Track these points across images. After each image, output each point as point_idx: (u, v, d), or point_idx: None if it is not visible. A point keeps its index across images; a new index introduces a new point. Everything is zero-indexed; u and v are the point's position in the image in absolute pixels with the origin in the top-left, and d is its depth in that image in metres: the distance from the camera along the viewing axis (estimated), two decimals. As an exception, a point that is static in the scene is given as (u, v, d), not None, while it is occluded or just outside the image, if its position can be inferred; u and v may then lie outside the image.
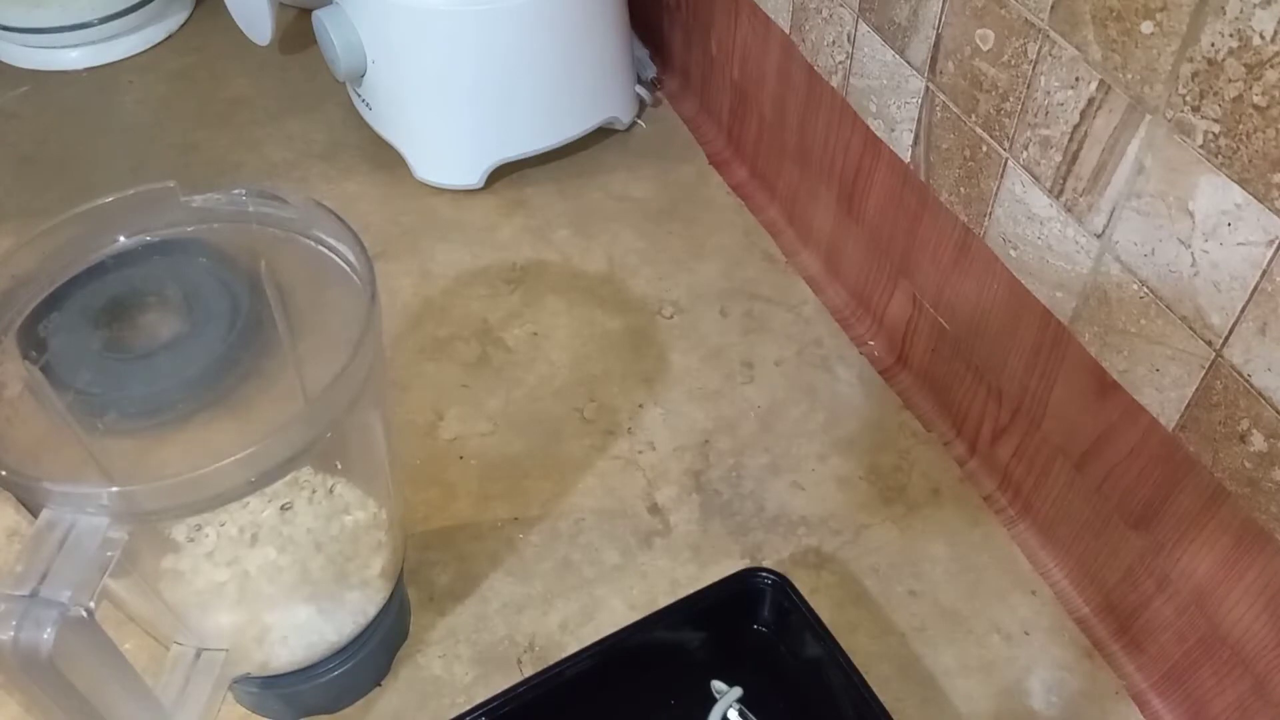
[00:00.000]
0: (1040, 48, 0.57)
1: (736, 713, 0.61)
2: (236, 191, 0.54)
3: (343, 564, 0.57)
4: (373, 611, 0.60)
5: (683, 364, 0.82)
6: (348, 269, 0.53)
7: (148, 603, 0.53)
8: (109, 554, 0.43)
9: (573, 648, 0.66)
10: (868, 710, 0.58)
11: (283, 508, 0.55)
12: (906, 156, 0.72)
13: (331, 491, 0.57)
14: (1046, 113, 0.58)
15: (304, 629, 0.57)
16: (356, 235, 0.52)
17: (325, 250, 0.54)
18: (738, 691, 0.61)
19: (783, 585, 0.63)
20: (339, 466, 0.57)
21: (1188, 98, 0.49)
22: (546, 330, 0.84)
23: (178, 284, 0.57)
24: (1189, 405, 0.56)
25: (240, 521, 0.55)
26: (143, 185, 0.52)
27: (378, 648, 0.63)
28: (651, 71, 1.05)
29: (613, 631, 0.62)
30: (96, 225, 0.53)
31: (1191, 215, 0.51)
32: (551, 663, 0.61)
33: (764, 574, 0.63)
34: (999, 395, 0.71)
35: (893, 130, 0.73)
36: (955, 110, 0.66)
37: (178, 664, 0.53)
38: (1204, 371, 0.54)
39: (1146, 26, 0.50)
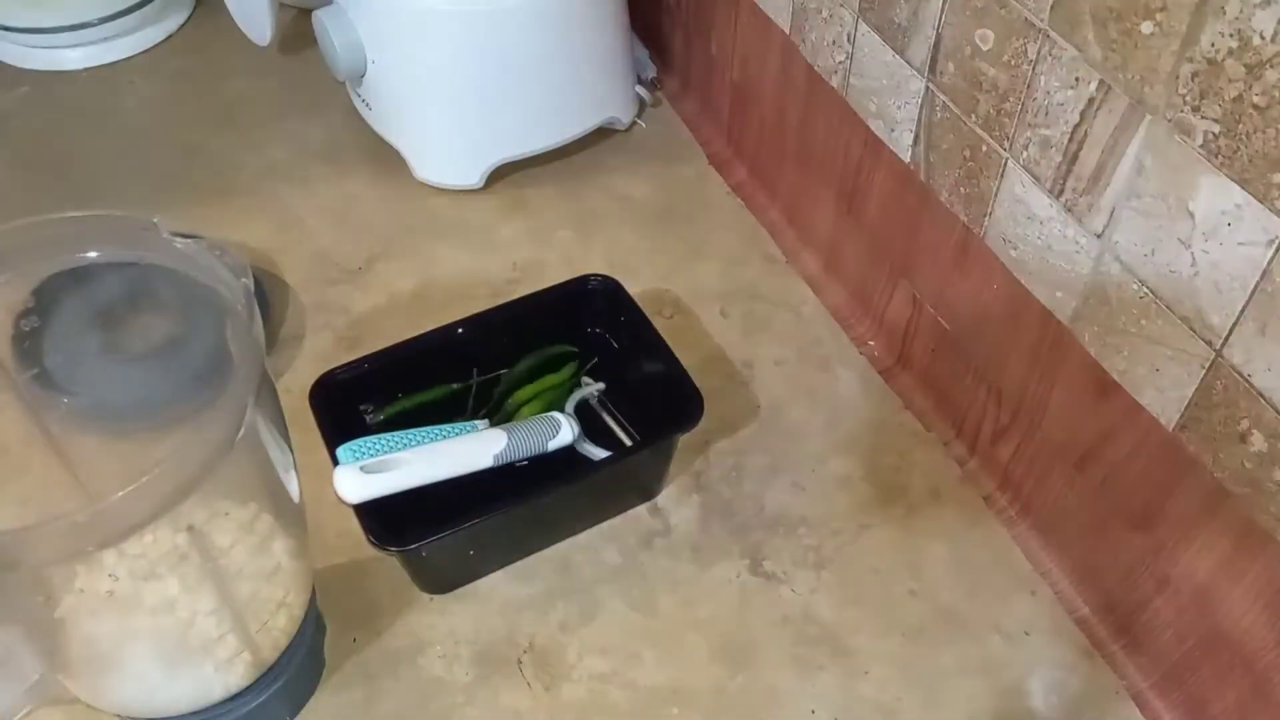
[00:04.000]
0: (1040, 48, 0.57)
1: (596, 403, 0.75)
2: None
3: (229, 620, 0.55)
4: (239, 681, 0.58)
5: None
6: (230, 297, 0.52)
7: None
8: None
9: (573, 648, 0.67)
10: (680, 389, 0.71)
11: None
12: (906, 156, 0.72)
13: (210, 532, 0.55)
14: (1046, 113, 0.58)
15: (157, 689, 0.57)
16: (237, 261, 0.50)
17: (208, 282, 0.52)
18: (600, 385, 0.76)
19: (615, 288, 0.76)
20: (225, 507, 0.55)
21: (1188, 98, 0.49)
22: (546, 330, 0.84)
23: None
24: (1189, 405, 0.56)
25: (104, 582, 0.53)
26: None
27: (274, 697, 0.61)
28: (651, 71, 1.05)
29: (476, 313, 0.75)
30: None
31: (1191, 215, 0.51)
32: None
33: (594, 278, 0.77)
34: (999, 395, 0.71)
35: (893, 130, 0.73)
36: (955, 110, 0.66)
37: None
38: (1204, 371, 0.54)
39: (1146, 26, 0.50)
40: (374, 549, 0.63)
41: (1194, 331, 0.54)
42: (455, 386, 0.75)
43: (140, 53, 1.09)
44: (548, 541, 0.71)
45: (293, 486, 0.57)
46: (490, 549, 0.69)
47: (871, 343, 0.84)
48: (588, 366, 0.77)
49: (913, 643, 0.67)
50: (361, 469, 0.64)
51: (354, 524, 0.64)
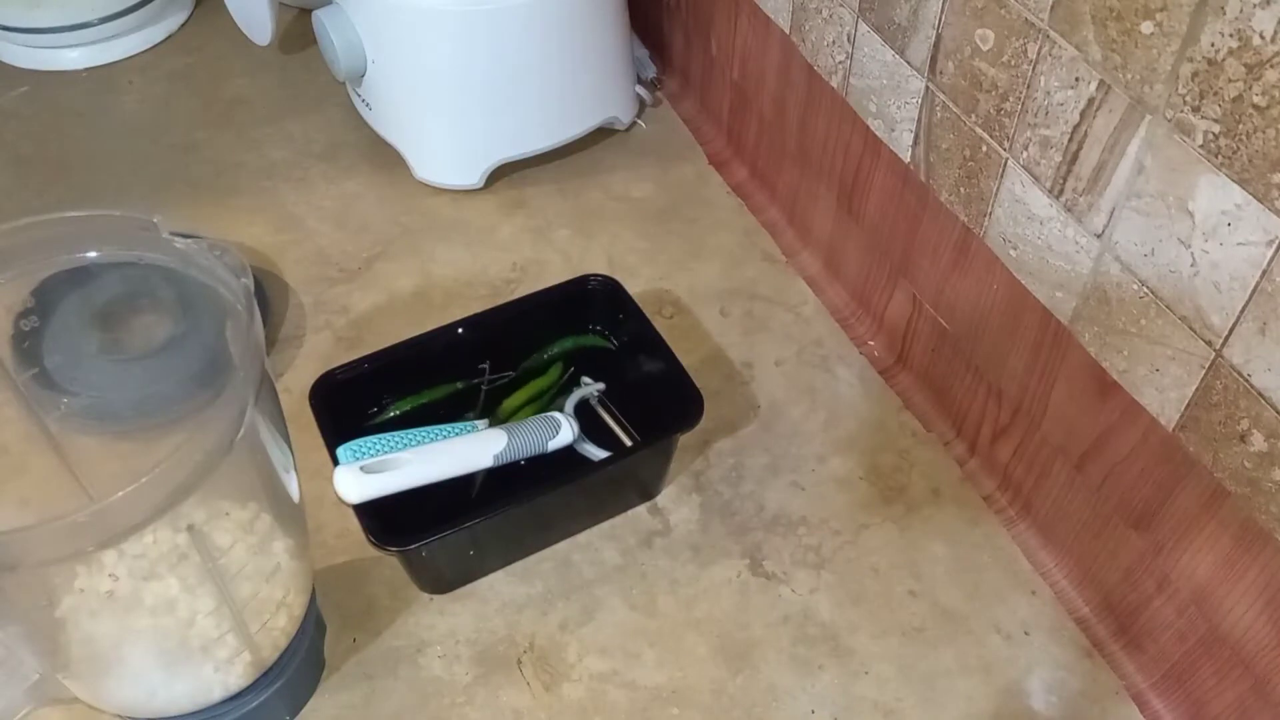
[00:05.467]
0: (1040, 48, 0.57)
1: (596, 403, 0.75)
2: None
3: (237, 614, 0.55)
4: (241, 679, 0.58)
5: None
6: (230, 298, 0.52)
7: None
8: None
9: (573, 648, 0.67)
10: (680, 389, 0.71)
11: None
12: (906, 156, 0.72)
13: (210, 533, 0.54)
14: (1046, 113, 0.58)
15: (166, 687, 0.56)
16: (237, 261, 0.51)
17: (208, 282, 0.53)
18: (600, 385, 0.76)
19: (615, 288, 0.77)
20: (226, 507, 0.55)
21: (1188, 98, 0.49)
22: (546, 330, 0.84)
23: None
24: (1189, 405, 0.56)
25: (105, 581, 0.53)
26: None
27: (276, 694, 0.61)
28: (651, 71, 1.05)
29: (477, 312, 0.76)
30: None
31: (1191, 215, 0.51)
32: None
33: (594, 278, 0.77)
34: (999, 395, 0.71)
35: (893, 130, 0.73)
36: (955, 110, 0.66)
37: None
38: (1204, 371, 0.54)
39: (1146, 26, 0.50)
40: (374, 549, 0.63)
41: (1194, 331, 0.54)
42: (460, 385, 0.75)
43: (140, 53, 1.09)
44: (547, 541, 0.71)
45: (293, 486, 0.57)
46: (490, 549, 0.69)
47: (871, 342, 0.84)
48: (569, 370, 0.77)
49: (912, 642, 0.67)
50: (361, 469, 0.64)
51: (354, 524, 0.65)
